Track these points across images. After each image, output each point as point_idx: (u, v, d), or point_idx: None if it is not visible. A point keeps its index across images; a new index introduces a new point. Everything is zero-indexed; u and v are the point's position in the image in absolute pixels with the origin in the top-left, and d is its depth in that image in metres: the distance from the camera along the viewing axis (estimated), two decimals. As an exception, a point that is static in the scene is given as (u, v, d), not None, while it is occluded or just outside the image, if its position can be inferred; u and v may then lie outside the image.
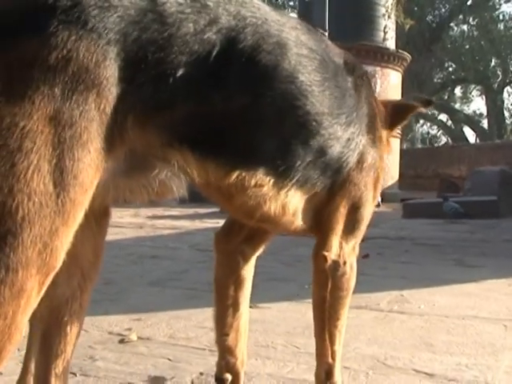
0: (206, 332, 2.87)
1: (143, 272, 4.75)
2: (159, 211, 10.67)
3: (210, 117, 1.34)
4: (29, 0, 1.17)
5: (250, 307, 3.50)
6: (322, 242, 1.73)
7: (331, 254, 1.72)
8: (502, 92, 35.75)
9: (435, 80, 34.61)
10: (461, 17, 32.92)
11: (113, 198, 1.39)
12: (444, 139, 41.66)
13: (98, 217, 1.45)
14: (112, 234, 6.68)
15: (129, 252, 5.75)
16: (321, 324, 1.81)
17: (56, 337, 1.56)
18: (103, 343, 2.76)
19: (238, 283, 1.98)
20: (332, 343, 1.80)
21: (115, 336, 2.87)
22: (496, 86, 34.73)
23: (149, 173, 1.37)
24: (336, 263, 1.73)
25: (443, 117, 38.80)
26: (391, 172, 15.72)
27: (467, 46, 33.10)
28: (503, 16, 33.61)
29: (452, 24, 33.41)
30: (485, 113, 36.04)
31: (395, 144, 15.04)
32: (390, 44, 17.59)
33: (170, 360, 2.52)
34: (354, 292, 1.83)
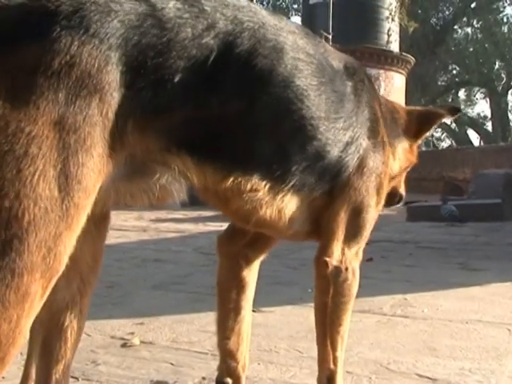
0: (209, 336, 2.86)
1: (146, 275, 4.74)
2: (163, 214, 10.67)
3: (207, 121, 1.35)
4: (31, 6, 1.18)
5: (253, 311, 3.49)
6: (324, 248, 1.72)
7: (333, 260, 1.71)
8: (506, 94, 35.70)
9: (439, 83, 34.58)
10: (465, 19, 32.90)
11: (113, 202, 1.40)
12: (448, 142, 41.57)
13: (97, 221, 1.45)
14: (115, 238, 6.70)
15: (132, 255, 5.75)
16: (322, 329, 1.81)
17: (56, 342, 1.56)
18: (105, 347, 2.76)
19: (241, 287, 1.97)
20: (334, 349, 1.80)
21: (118, 340, 2.87)
22: (500, 88, 34.69)
23: (149, 178, 1.38)
24: (338, 269, 1.72)
25: (447, 119, 38.67)
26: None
27: (471, 49, 33.08)
28: (507, 18, 33.63)
29: (456, 27, 33.39)
30: (489, 115, 36.01)
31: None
32: (394, 47, 17.61)
33: (172, 364, 2.52)
34: (357, 296, 1.82)
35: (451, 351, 2.72)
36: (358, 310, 3.19)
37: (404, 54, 17.76)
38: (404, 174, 2.22)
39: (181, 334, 2.98)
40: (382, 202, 1.85)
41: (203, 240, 7.16)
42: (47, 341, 1.56)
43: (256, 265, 2.00)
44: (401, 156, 2.05)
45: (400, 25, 18.15)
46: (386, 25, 17.14)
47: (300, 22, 20.36)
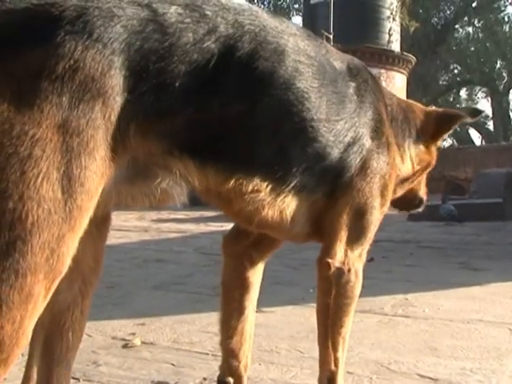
0: (210, 337, 2.87)
1: (147, 276, 4.75)
2: (164, 214, 10.68)
3: (209, 124, 1.36)
4: (35, 10, 1.19)
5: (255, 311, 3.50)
6: (327, 249, 1.72)
7: (335, 261, 1.70)
8: (507, 94, 35.62)
9: (440, 82, 34.52)
10: (466, 19, 32.82)
11: (115, 204, 1.41)
12: (450, 141, 41.56)
13: (98, 222, 1.46)
14: (117, 238, 6.70)
15: (134, 256, 5.75)
16: (324, 331, 1.81)
17: (58, 343, 1.57)
18: (107, 348, 2.76)
19: (245, 287, 1.98)
20: (335, 350, 1.79)
21: (119, 341, 2.87)
22: (501, 87, 34.62)
23: (151, 181, 1.39)
24: (340, 270, 1.71)
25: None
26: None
27: (472, 48, 32.99)
28: (508, 18, 33.52)
29: (457, 26, 33.32)
30: (490, 115, 35.91)
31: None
32: (395, 46, 17.60)
33: (173, 365, 2.52)
34: (359, 296, 1.81)
35: (452, 351, 2.72)
36: (359, 310, 3.18)
37: (405, 53, 17.76)
38: (423, 176, 2.20)
39: (182, 335, 2.98)
40: (387, 203, 1.84)
41: (204, 240, 7.16)
42: (48, 342, 1.56)
43: (261, 266, 2.01)
44: (413, 157, 2.02)
45: (401, 24, 18.15)
46: (387, 24, 17.13)
47: (301, 22, 20.36)
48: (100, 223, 1.50)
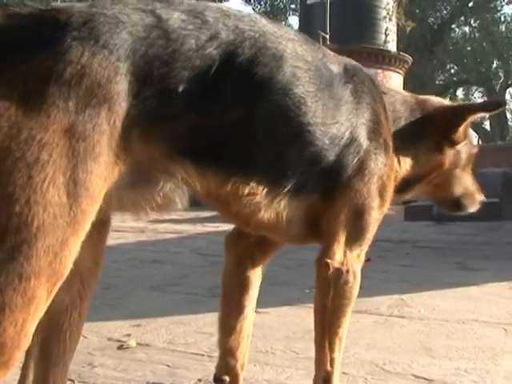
0: (206, 338, 2.87)
1: (144, 277, 4.74)
2: (160, 215, 10.65)
3: (209, 129, 1.38)
4: (43, 16, 1.23)
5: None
6: (325, 249, 1.73)
7: (334, 262, 1.71)
8: (504, 93, 35.67)
9: (437, 82, 34.57)
10: (462, 18, 32.89)
11: (116, 209, 1.42)
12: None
13: (98, 225, 1.46)
14: (113, 239, 6.69)
15: (130, 256, 5.75)
16: (321, 331, 1.81)
17: (55, 344, 1.57)
18: (102, 349, 2.76)
19: (245, 286, 1.99)
20: (331, 350, 1.79)
21: (114, 342, 2.87)
22: (498, 87, 34.68)
23: (153, 186, 1.41)
24: (339, 271, 1.71)
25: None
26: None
27: (469, 48, 33.06)
28: (505, 17, 33.60)
29: (453, 26, 33.38)
30: (487, 114, 36.02)
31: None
32: (392, 46, 17.62)
33: (168, 366, 2.52)
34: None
35: (447, 351, 2.72)
36: (355, 310, 3.15)
37: (401, 53, 17.77)
38: (458, 176, 2.13)
39: (177, 336, 2.98)
40: (387, 204, 1.83)
41: (201, 241, 7.16)
42: (46, 343, 1.56)
43: (261, 266, 2.03)
44: (419, 157, 1.97)
45: (397, 24, 18.16)
46: (384, 24, 17.15)
47: (298, 22, 20.35)
48: (100, 226, 1.50)
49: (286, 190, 1.57)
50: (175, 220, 9.86)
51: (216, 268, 5.53)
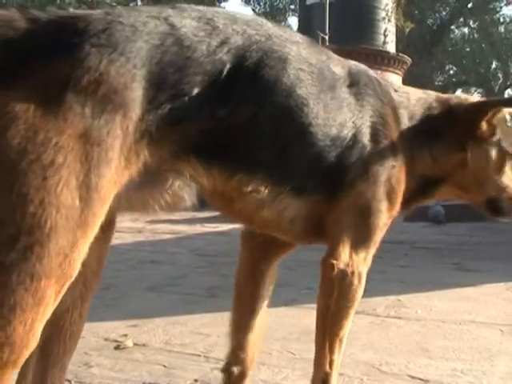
0: (202, 338, 2.87)
1: (142, 277, 4.75)
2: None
3: (217, 130, 1.42)
4: (62, 23, 1.26)
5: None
6: (331, 250, 1.72)
7: (340, 263, 1.70)
8: (503, 94, 35.61)
9: (436, 83, 34.56)
10: (461, 20, 32.88)
11: (125, 209, 1.45)
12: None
13: (104, 226, 1.48)
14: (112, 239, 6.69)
15: (128, 257, 5.75)
16: (322, 331, 1.80)
17: (55, 345, 1.58)
18: (99, 350, 2.76)
19: (258, 281, 2.00)
20: (331, 352, 1.79)
21: (111, 342, 2.87)
22: (497, 88, 34.69)
23: (162, 185, 1.44)
24: (343, 272, 1.70)
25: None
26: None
27: (468, 49, 33.06)
28: (504, 19, 33.56)
29: (453, 27, 33.37)
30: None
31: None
32: (391, 47, 17.59)
33: (164, 366, 2.52)
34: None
35: (444, 352, 2.73)
36: (352, 311, 3.19)
37: (400, 54, 17.74)
38: (490, 176, 1.98)
39: (174, 336, 2.98)
40: (396, 207, 1.80)
41: (199, 241, 7.16)
42: (46, 343, 1.56)
43: (275, 263, 2.04)
44: (438, 157, 1.90)
45: (396, 25, 18.15)
46: (383, 25, 17.11)
47: (297, 23, 20.35)
48: (106, 226, 1.52)
49: (288, 189, 1.59)
50: (173, 220, 9.86)
51: (214, 269, 5.54)
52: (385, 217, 1.76)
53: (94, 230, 1.25)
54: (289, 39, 1.58)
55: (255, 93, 1.47)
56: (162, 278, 4.72)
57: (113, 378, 2.39)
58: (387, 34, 17.28)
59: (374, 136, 1.71)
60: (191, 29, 1.38)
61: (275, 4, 30.71)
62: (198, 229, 8.79)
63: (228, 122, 1.42)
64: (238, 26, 1.47)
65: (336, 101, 1.64)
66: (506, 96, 33.23)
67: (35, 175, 1.13)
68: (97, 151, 1.20)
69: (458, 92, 37.86)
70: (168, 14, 1.38)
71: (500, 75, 34.58)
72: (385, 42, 17.23)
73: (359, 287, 1.75)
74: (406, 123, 1.85)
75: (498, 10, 33.12)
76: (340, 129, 1.64)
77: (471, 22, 33.20)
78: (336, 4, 16.24)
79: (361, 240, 1.73)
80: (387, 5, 17.22)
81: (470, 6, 31.83)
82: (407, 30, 18.93)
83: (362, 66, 1.83)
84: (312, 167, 1.62)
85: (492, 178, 1.99)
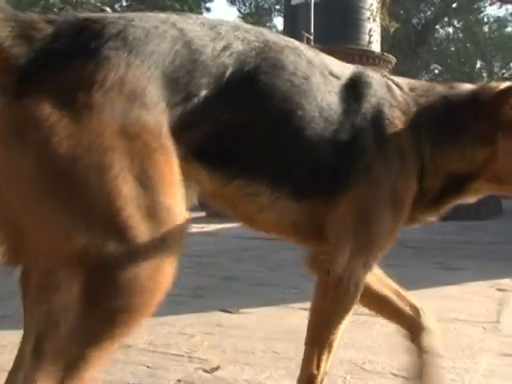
0: (186, 339, 2.87)
1: (127, 278, 4.72)
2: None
3: (218, 133, 1.45)
4: (80, 25, 1.30)
5: (232, 313, 3.51)
6: (330, 254, 1.69)
7: (336, 268, 1.66)
8: (487, 94, 35.91)
9: (421, 82, 34.74)
10: (446, 19, 33.09)
11: None
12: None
13: None
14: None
15: (113, 258, 5.72)
16: (314, 333, 1.79)
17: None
18: (82, 351, 2.74)
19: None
20: (320, 354, 1.77)
21: (95, 344, 2.86)
22: (482, 87, 34.92)
23: None
24: (339, 277, 1.66)
25: None
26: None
27: (453, 49, 33.31)
28: (488, 18, 33.87)
29: (437, 26, 33.57)
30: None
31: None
32: (375, 47, 17.65)
33: (148, 367, 2.52)
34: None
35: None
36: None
37: (385, 54, 17.79)
38: None
39: (158, 337, 2.98)
40: (403, 212, 1.73)
41: (185, 242, 7.13)
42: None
43: None
44: (468, 151, 1.77)
45: (381, 25, 18.21)
46: (368, 25, 17.16)
47: (282, 23, 20.36)
48: None
49: (287, 191, 1.60)
50: (159, 221, 9.82)
51: (200, 269, 5.52)
52: (390, 222, 1.71)
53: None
54: (286, 45, 1.61)
55: (254, 97, 1.50)
56: (148, 278, 4.70)
57: (96, 379, 2.37)
58: (372, 34, 17.34)
59: (377, 138, 1.67)
60: (197, 33, 1.42)
61: (261, 4, 30.77)
62: (184, 229, 8.75)
63: (228, 126, 1.45)
64: (239, 33, 1.51)
65: (334, 104, 1.64)
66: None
67: (92, 179, 1.17)
68: (140, 144, 1.23)
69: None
70: (175, 19, 1.43)
71: (484, 74, 34.81)
72: (370, 42, 17.28)
73: (356, 293, 1.70)
74: (419, 122, 1.75)
75: (483, 9, 33.39)
76: (338, 132, 1.62)
77: (456, 22, 33.43)
78: (321, 4, 16.29)
79: (361, 245, 1.68)
80: (372, 5, 17.27)
81: (454, 5, 32.04)
82: (392, 29, 18.99)
83: (364, 68, 1.81)
84: (309, 171, 1.62)
85: None
